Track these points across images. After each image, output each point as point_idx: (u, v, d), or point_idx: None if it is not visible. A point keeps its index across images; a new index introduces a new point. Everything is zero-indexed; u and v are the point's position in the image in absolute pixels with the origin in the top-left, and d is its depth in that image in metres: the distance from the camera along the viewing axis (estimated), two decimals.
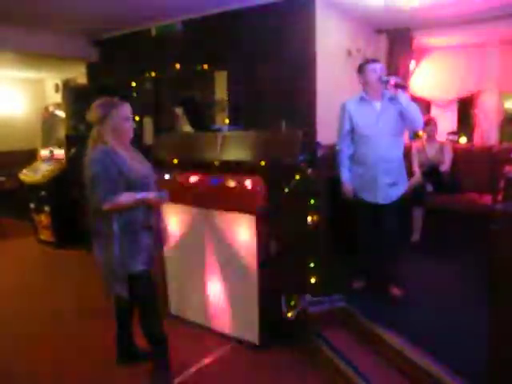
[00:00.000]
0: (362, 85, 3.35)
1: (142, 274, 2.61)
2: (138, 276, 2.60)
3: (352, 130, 3.38)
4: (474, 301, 3.05)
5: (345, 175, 3.46)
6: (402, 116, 3.23)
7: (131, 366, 3.00)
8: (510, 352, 2.01)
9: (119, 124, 2.57)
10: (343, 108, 3.42)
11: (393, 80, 3.16)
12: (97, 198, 2.47)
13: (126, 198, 2.50)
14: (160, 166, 3.61)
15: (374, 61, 3.36)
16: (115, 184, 2.47)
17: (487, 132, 5.88)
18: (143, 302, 2.71)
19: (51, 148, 6.09)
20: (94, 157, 2.50)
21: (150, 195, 2.62)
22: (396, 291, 3.41)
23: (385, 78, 3.20)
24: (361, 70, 3.34)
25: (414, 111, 3.21)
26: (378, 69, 3.26)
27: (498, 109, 5.89)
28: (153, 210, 2.68)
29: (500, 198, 2.17)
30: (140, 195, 2.56)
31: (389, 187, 3.33)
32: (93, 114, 2.58)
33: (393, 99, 3.25)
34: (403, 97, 3.18)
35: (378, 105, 3.31)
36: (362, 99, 3.35)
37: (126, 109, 2.63)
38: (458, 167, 5.05)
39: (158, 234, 2.77)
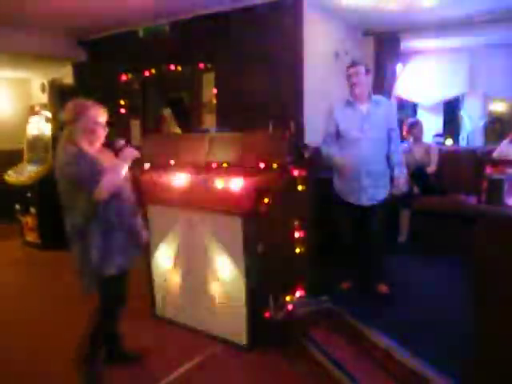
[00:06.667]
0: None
1: (113, 278, 2.64)
2: (109, 279, 2.62)
3: (337, 133, 3.39)
4: (461, 301, 3.08)
5: (334, 152, 3.38)
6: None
7: (121, 367, 2.97)
8: (495, 352, 2.04)
9: (91, 126, 2.58)
10: (330, 110, 3.44)
11: None
12: (88, 193, 2.45)
13: (108, 178, 2.48)
14: (147, 166, 3.61)
15: (355, 64, 3.34)
16: (95, 177, 2.46)
17: (472, 134, 5.97)
18: (106, 302, 2.74)
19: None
20: (67, 159, 2.50)
21: (125, 162, 2.62)
22: (383, 288, 3.44)
23: None
24: (346, 73, 3.36)
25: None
26: (351, 72, 3.27)
27: (482, 111, 5.99)
28: (127, 211, 2.69)
29: (483, 199, 2.20)
30: (117, 165, 2.58)
31: (372, 189, 3.35)
32: (66, 114, 2.60)
33: (378, 103, 3.27)
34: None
35: (363, 108, 3.33)
36: (347, 102, 3.38)
37: (99, 112, 2.63)
38: (444, 169, 5.11)
39: (135, 236, 2.78)
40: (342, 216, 3.53)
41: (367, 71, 3.34)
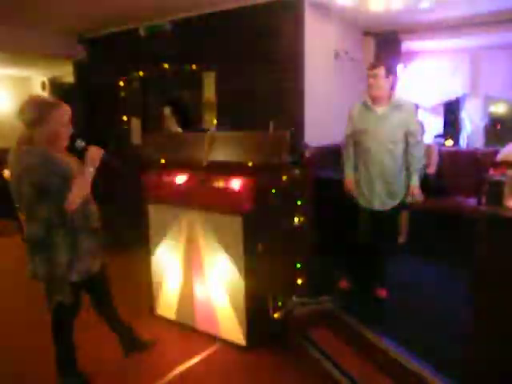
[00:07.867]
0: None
1: (79, 283, 2.53)
2: (75, 284, 2.51)
3: (354, 134, 3.38)
4: (461, 302, 3.08)
5: (347, 170, 3.46)
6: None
7: (120, 366, 2.98)
8: (495, 352, 2.04)
9: (56, 129, 2.32)
10: (350, 110, 3.44)
11: None
12: (54, 201, 2.29)
13: (77, 186, 2.30)
14: (148, 165, 3.60)
15: (374, 65, 3.29)
16: (65, 183, 2.29)
17: (473, 135, 5.96)
18: (63, 306, 2.58)
19: None
20: (32, 164, 2.25)
21: (93, 166, 2.38)
22: (382, 293, 3.43)
23: None
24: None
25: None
26: (369, 74, 3.24)
27: (483, 113, 5.98)
28: (91, 212, 2.55)
29: (484, 200, 2.20)
30: (87, 171, 2.35)
31: (385, 195, 3.31)
32: (26, 115, 2.29)
33: (397, 107, 3.23)
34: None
35: (380, 110, 3.27)
36: (364, 104, 3.34)
37: (66, 112, 2.37)
38: (444, 170, 5.10)
39: (98, 236, 2.63)
40: (351, 217, 3.50)
41: (388, 73, 3.22)
